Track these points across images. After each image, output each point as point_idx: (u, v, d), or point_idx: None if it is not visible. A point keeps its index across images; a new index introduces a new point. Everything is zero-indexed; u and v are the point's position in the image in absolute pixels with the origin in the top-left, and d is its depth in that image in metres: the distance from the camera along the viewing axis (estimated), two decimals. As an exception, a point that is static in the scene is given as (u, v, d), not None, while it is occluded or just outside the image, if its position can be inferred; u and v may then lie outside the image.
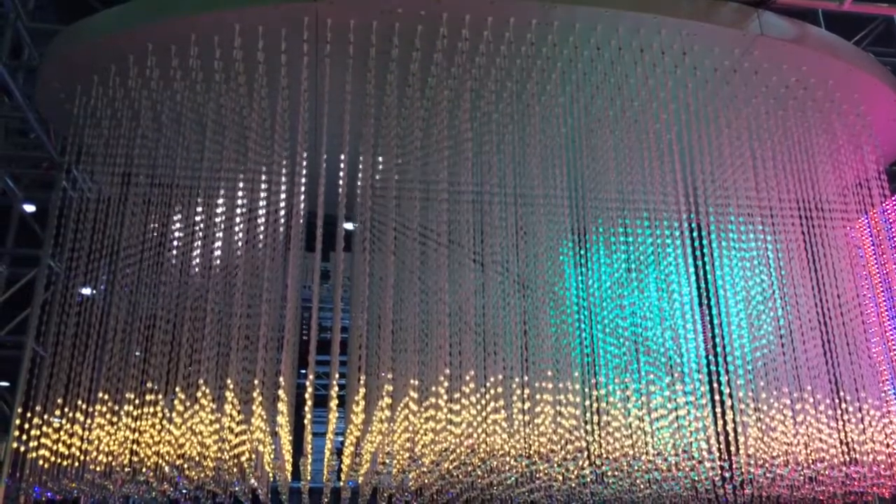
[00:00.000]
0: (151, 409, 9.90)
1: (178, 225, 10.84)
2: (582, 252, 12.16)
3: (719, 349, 11.08)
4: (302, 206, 10.53)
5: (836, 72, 11.41)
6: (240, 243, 10.69)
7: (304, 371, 12.39)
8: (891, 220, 13.82)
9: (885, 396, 11.65)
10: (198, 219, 10.70)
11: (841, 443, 10.69)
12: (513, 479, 10.78)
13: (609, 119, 11.29)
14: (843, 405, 10.92)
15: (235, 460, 9.88)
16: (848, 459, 10.66)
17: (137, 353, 10.38)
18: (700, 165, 11.25)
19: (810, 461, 10.45)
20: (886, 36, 13.93)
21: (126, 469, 9.73)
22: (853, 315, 11.58)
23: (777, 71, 11.09)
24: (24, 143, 13.09)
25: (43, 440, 10.02)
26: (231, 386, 9.68)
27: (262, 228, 10.74)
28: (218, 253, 10.63)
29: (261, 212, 10.76)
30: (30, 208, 13.17)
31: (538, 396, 10.33)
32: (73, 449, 9.94)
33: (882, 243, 13.16)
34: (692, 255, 11.18)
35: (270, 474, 11.18)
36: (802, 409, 10.63)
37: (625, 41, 10.40)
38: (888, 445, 10.97)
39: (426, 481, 11.08)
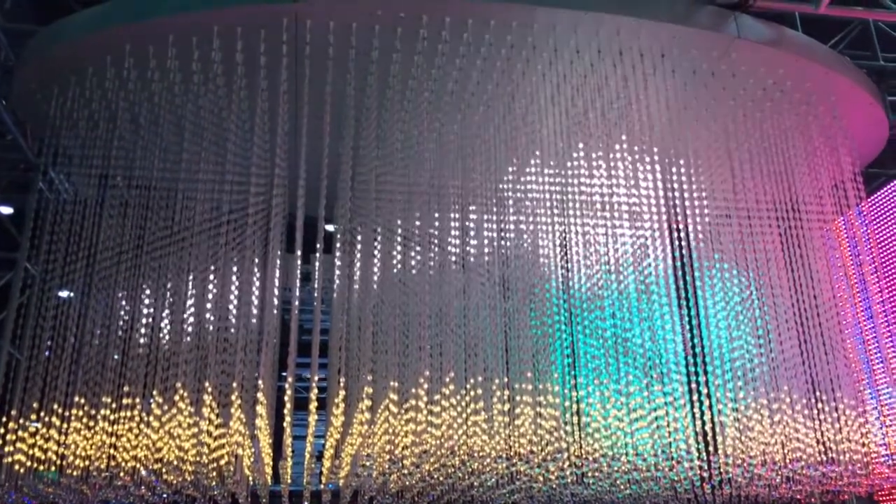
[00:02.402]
0: (129, 413, 9.81)
1: (155, 227, 10.75)
2: (563, 253, 12.19)
3: (698, 350, 11.16)
4: (282, 207, 10.50)
5: (813, 74, 11.53)
6: (219, 245, 10.62)
7: (283, 374, 12.33)
8: (867, 222, 13.98)
9: (861, 396, 11.76)
10: (176, 220, 10.62)
11: (818, 442, 10.80)
12: (493, 480, 10.79)
13: (589, 121, 11.33)
14: (820, 405, 11.03)
15: (214, 464, 9.81)
16: (825, 459, 10.76)
17: (116, 357, 10.28)
18: (679, 167, 11.32)
19: (788, 461, 10.55)
20: (862, 39, 14.07)
21: (103, 473, 9.63)
22: (830, 316, 11.69)
23: (754, 73, 11.18)
24: (0, 144, 12.92)
25: (19, 445, 9.89)
26: (209, 389, 9.62)
27: (241, 230, 10.67)
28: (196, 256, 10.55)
29: (240, 213, 10.70)
30: (6, 210, 13.01)
31: (518, 398, 10.36)
32: (50, 453, 9.82)
33: (859, 244, 13.30)
34: (671, 256, 11.25)
35: (250, 478, 11.11)
36: (780, 410, 10.72)
37: (604, 43, 10.44)
38: (864, 445, 11.09)
39: (407, 483, 11.07)
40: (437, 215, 11.13)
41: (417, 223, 10.93)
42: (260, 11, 9.84)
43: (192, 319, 10.27)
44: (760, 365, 10.93)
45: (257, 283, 10.77)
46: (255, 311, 10.71)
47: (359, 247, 11.37)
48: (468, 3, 9.82)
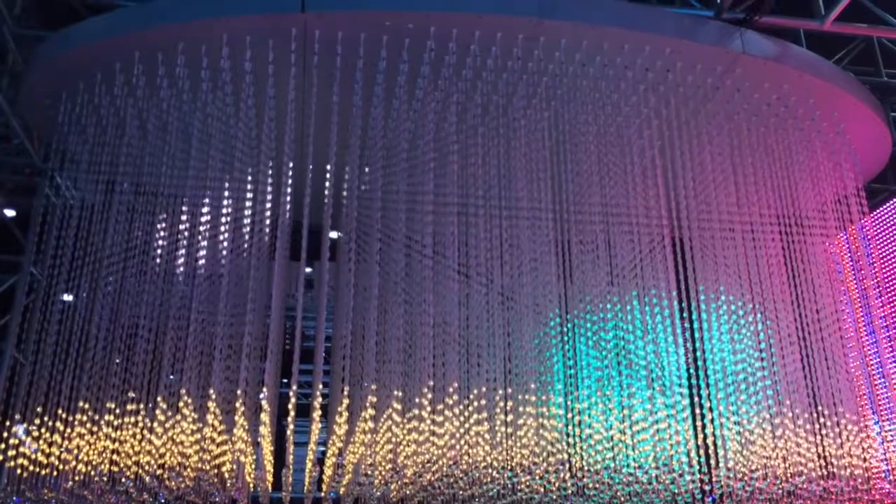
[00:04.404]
0: (132, 419, 9.82)
1: (162, 233, 10.78)
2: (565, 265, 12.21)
3: (700, 363, 11.17)
4: (287, 214, 10.53)
5: (817, 90, 11.59)
6: (224, 251, 10.65)
7: (287, 381, 12.35)
8: (869, 237, 14.02)
9: (863, 411, 11.78)
10: (182, 227, 10.65)
11: (819, 457, 10.80)
12: (495, 490, 10.79)
13: (593, 134, 11.38)
14: (822, 420, 11.04)
15: (216, 470, 9.82)
16: (826, 473, 10.77)
17: (118, 361, 10.29)
18: (682, 180, 11.37)
19: (789, 475, 10.55)
20: (866, 56, 14.16)
21: (105, 478, 9.64)
22: (832, 330, 11.72)
23: (759, 88, 11.25)
24: (7, 148, 12.98)
25: (21, 449, 9.90)
26: (213, 395, 9.63)
27: (247, 237, 10.71)
28: (202, 262, 10.58)
29: (246, 220, 10.74)
30: (10, 213, 13.06)
31: (521, 409, 10.37)
32: (52, 458, 9.83)
33: (860, 259, 13.34)
34: (674, 269, 11.28)
35: (251, 485, 11.12)
36: (781, 424, 10.73)
37: (609, 57, 10.51)
38: (865, 460, 11.10)
39: (408, 492, 11.07)
40: (440, 225, 11.15)
41: (421, 232, 10.95)
42: (268, 21, 9.91)
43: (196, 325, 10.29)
44: (762, 378, 10.95)
45: (262, 290, 10.80)
46: (259, 318, 10.74)
47: (363, 255, 11.41)
48: (475, 15, 9.89)
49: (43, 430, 9.91)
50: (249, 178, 10.81)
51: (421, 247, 10.82)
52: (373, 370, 10.21)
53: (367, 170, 11.15)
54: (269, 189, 10.70)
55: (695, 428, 10.59)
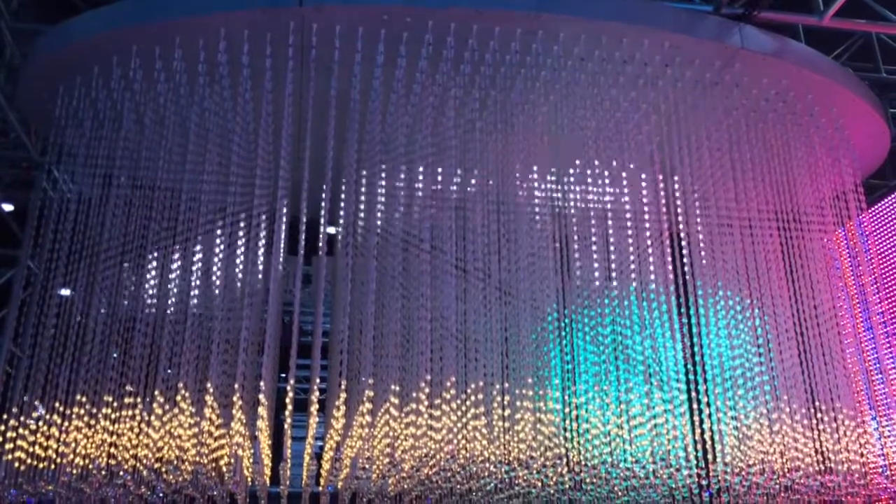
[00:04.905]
0: (130, 412, 9.82)
1: (158, 227, 10.77)
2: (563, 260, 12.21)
3: (697, 358, 11.19)
4: (285, 209, 10.53)
5: (816, 86, 11.58)
6: (222, 246, 10.64)
7: (284, 375, 12.37)
8: (867, 233, 14.03)
9: (860, 406, 11.79)
10: (179, 221, 10.64)
11: (816, 452, 10.82)
12: (492, 485, 10.81)
13: (591, 129, 11.37)
14: (819, 415, 11.06)
15: (214, 464, 9.83)
16: (823, 468, 10.79)
17: (115, 355, 10.30)
18: (681, 176, 11.37)
19: (786, 470, 10.57)
20: (865, 52, 14.16)
21: (103, 472, 9.65)
22: (829, 326, 11.73)
23: (757, 84, 11.23)
24: (4, 142, 12.97)
25: (19, 442, 9.90)
26: (211, 389, 9.64)
27: (244, 232, 10.71)
28: (199, 256, 10.57)
29: (243, 215, 10.73)
30: (7, 207, 13.06)
31: (518, 403, 10.38)
32: (50, 451, 9.83)
33: (859, 255, 13.35)
34: (672, 265, 11.28)
35: (249, 479, 11.13)
36: (779, 419, 10.75)
37: (608, 52, 10.49)
38: (862, 455, 11.11)
39: (405, 487, 11.09)
40: (438, 220, 11.16)
41: (419, 227, 10.96)
42: (266, 15, 9.89)
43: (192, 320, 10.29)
44: (760, 374, 10.96)
45: (259, 284, 10.80)
46: (257, 313, 10.74)
47: (360, 250, 11.41)
48: (473, 10, 9.87)
49: (40, 424, 9.92)
50: (247, 172, 10.80)
51: (418, 241, 10.82)
52: (370, 364, 10.21)
53: (364, 164, 11.14)
54: (267, 183, 10.69)
55: (692, 423, 10.60)
